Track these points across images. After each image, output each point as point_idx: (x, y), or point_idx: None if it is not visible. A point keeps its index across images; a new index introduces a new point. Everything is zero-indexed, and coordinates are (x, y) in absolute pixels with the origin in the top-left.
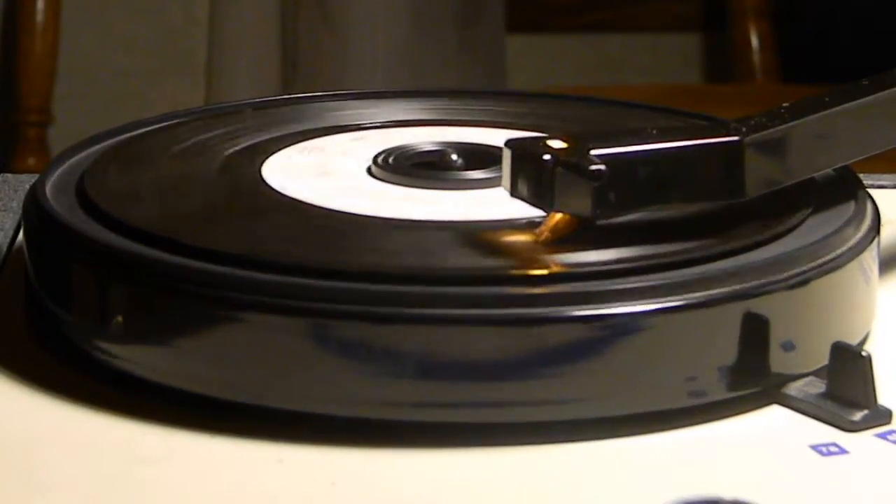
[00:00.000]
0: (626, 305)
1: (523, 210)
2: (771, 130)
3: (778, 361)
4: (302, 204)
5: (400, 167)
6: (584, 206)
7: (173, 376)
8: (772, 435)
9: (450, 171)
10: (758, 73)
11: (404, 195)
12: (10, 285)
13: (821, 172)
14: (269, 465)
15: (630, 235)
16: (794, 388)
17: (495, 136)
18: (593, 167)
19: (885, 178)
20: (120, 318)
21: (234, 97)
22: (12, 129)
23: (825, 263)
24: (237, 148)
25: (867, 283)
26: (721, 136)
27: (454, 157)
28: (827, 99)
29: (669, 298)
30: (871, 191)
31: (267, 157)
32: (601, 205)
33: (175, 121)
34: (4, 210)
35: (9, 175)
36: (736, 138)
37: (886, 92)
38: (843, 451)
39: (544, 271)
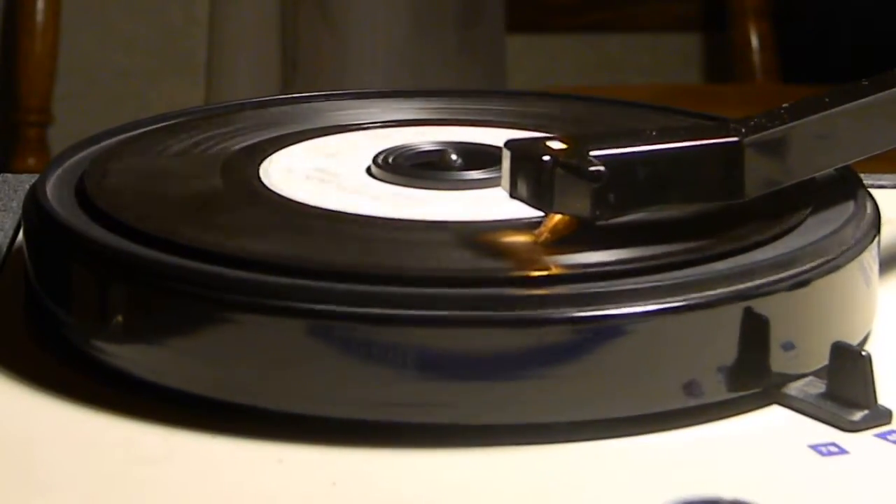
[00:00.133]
0: (625, 306)
1: (523, 211)
2: (771, 131)
3: (778, 361)
4: (301, 205)
5: (400, 167)
6: (583, 206)
7: (172, 377)
8: (772, 435)
9: (450, 171)
10: (758, 73)
11: (404, 195)
12: (10, 285)
13: (821, 172)
14: (269, 465)
15: (630, 236)
16: (794, 388)
17: (495, 136)
18: (593, 168)
19: (886, 178)
20: (119, 319)
21: (234, 97)
22: (12, 129)
23: (825, 263)
24: (237, 148)
25: (867, 282)
26: (720, 136)
27: (454, 157)
28: (827, 99)
29: (669, 299)
30: (871, 191)
31: (266, 157)
32: (600, 206)
33: (174, 121)
34: (4, 210)
35: (9, 175)
36: (735, 139)
37: (886, 92)
38: (843, 451)
39: (544, 272)
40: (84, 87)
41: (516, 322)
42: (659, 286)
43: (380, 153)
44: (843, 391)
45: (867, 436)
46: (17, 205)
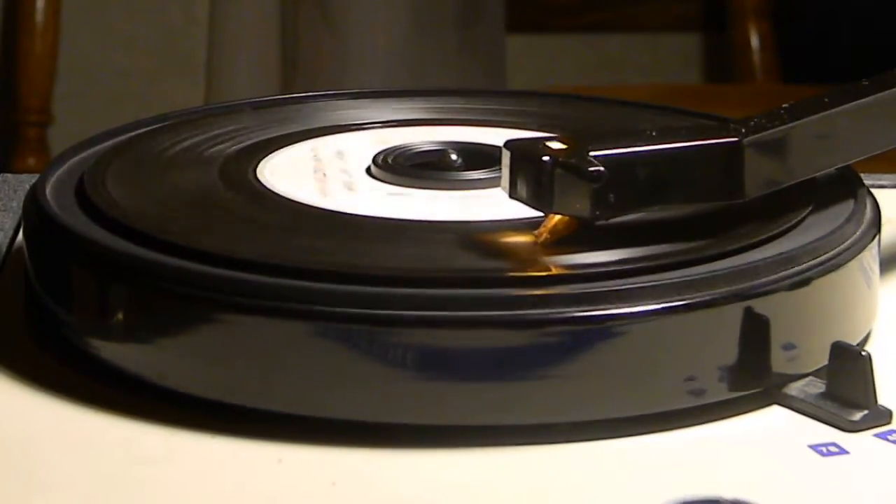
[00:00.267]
0: (625, 306)
1: (523, 211)
2: (771, 131)
3: (778, 361)
4: (301, 205)
5: (400, 167)
6: (583, 207)
7: (172, 377)
8: (772, 435)
9: (450, 171)
10: (758, 73)
11: (404, 195)
12: (10, 285)
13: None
14: (269, 465)
15: (630, 236)
16: (794, 389)
17: (495, 136)
18: (592, 168)
19: (886, 178)
20: (119, 319)
21: (234, 97)
22: (12, 129)
23: (825, 262)
24: (236, 148)
25: (868, 282)
26: (720, 136)
27: (454, 157)
28: (827, 99)
29: (669, 299)
30: (871, 190)
31: (266, 157)
32: (600, 206)
33: (174, 121)
34: (4, 210)
35: (9, 175)
36: (735, 139)
37: (886, 92)
38: (843, 451)
39: (543, 273)
40: (84, 87)
41: (516, 322)
42: (659, 286)
43: (380, 153)
44: (843, 391)
45: (867, 436)
46: (17, 205)
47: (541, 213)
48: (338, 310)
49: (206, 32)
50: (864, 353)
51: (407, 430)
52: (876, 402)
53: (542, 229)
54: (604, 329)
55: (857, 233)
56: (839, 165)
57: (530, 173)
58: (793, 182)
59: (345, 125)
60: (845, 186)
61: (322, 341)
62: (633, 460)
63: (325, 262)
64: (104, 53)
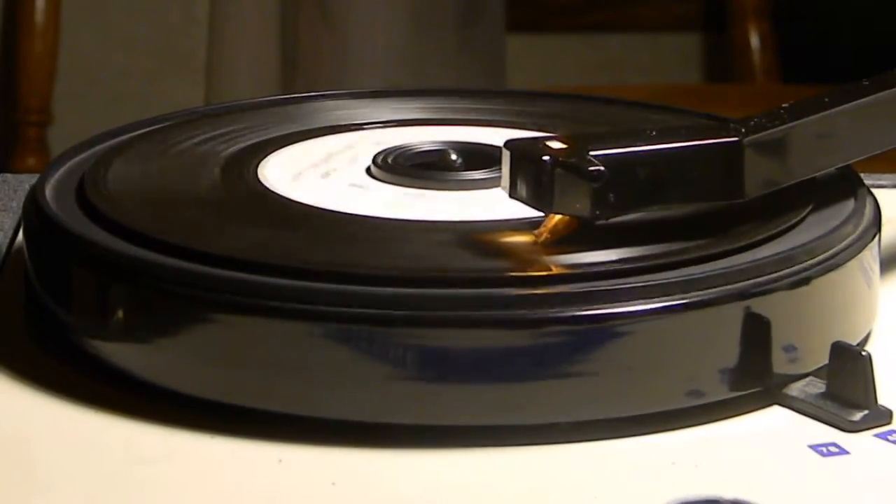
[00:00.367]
0: (626, 305)
1: (523, 211)
2: (771, 131)
3: (778, 361)
4: (301, 205)
5: (400, 167)
6: (583, 206)
7: (172, 377)
8: (772, 435)
9: (450, 171)
10: (758, 73)
11: (404, 195)
12: (10, 285)
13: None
14: (269, 465)
15: (630, 235)
16: (794, 389)
17: (495, 136)
18: (592, 168)
19: (886, 178)
20: (119, 320)
21: (234, 97)
22: (12, 129)
23: (825, 261)
24: (236, 148)
25: (868, 281)
26: (720, 136)
27: (454, 157)
28: (827, 99)
29: (669, 298)
30: (871, 190)
31: (266, 158)
32: (600, 205)
33: (174, 121)
34: (4, 210)
35: (9, 175)
36: (735, 139)
37: (886, 92)
38: (843, 452)
39: (544, 272)
40: (84, 87)
41: (516, 322)
42: (659, 285)
43: (380, 153)
44: (843, 391)
45: (867, 436)
46: (17, 205)
47: (541, 213)
48: (338, 310)
49: (206, 32)
50: (864, 353)
51: (407, 430)
52: (876, 402)
53: (542, 229)
54: (604, 328)
55: (857, 232)
56: (839, 165)
57: (530, 173)
58: (793, 182)
59: (345, 125)
60: (845, 186)
61: (322, 341)
62: (633, 460)
63: (325, 263)
64: (104, 53)
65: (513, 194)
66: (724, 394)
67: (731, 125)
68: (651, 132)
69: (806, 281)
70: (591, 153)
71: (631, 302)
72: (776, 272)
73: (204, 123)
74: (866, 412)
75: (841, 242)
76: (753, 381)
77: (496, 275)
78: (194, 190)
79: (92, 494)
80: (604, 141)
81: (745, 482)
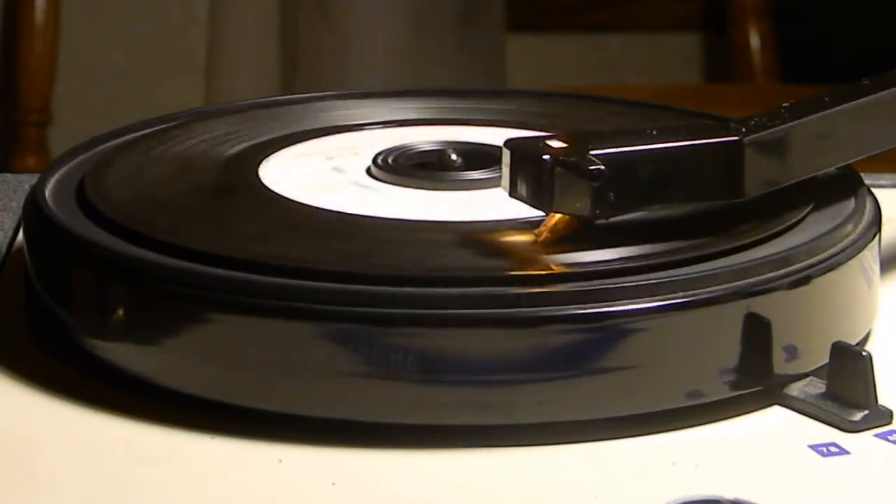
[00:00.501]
0: (626, 304)
1: (523, 210)
2: (771, 130)
3: (778, 360)
4: (301, 205)
5: (400, 167)
6: (583, 206)
7: (172, 377)
8: (772, 435)
9: (450, 171)
10: (758, 73)
11: (404, 195)
12: (10, 285)
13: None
14: (269, 465)
15: (630, 234)
16: (794, 389)
17: (495, 136)
18: (593, 167)
19: (886, 178)
20: (120, 320)
21: (234, 97)
22: (12, 129)
23: (825, 261)
24: (236, 149)
25: (868, 281)
26: (721, 135)
27: (454, 157)
28: (827, 99)
29: (669, 296)
30: (871, 190)
31: (266, 158)
32: (601, 205)
33: (174, 122)
34: (4, 210)
35: (9, 175)
36: (735, 138)
37: (886, 92)
38: (843, 452)
39: (544, 271)
40: (84, 87)
41: (517, 321)
42: (659, 284)
43: (380, 153)
44: (844, 391)
45: (867, 436)
46: (17, 205)
47: (541, 213)
48: (338, 309)
49: (206, 32)
50: (864, 354)
51: (407, 430)
52: (876, 402)
53: (542, 228)
54: (604, 327)
55: (857, 232)
56: (839, 165)
57: (530, 172)
58: (793, 181)
59: (345, 125)
60: (845, 185)
61: (322, 341)
62: (633, 460)
63: (326, 262)
64: (104, 53)
65: (513, 193)
66: (724, 393)
67: (732, 125)
68: (651, 131)
69: (806, 280)
70: (592, 152)
71: (631, 301)
72: (776, 272)
73: (204, 124)
74: (866, 412)
75: (841, 242)
76: (753, 380)
77: (497, 274)
78: (194, 190)
79: (92, 494)
80: (604, 140)
81: (745, 482)
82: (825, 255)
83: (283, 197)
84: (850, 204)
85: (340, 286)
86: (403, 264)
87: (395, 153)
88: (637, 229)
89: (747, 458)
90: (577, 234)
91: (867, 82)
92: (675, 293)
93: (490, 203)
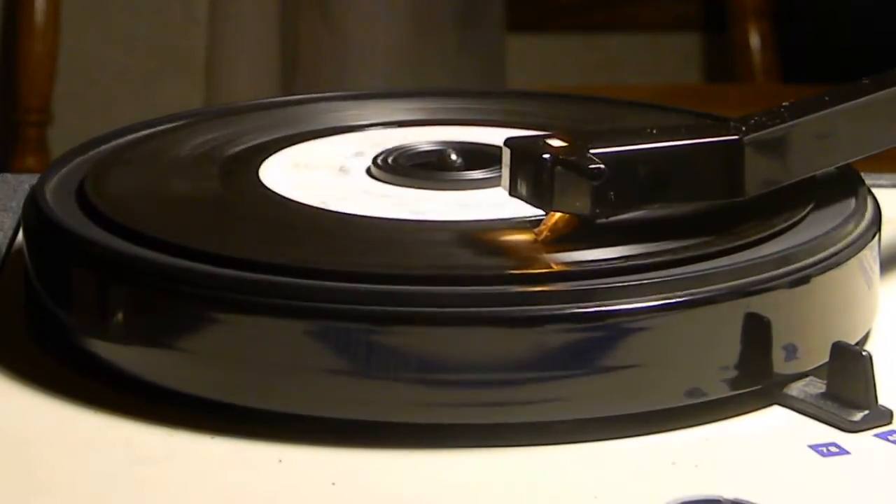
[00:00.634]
0: (626, 303)
1: (523, 210)
2: (771, 130)
3: (778, 360)
4: (301, 205)
5: (400, 167)
6: (583, 205)
7: (172, 377)
8: (772, 435)
9: (449, 171)
10: (758, 73)
11: (404, 195)
12: (10, 285)
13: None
14: (269, 465)
15: (630, 233)
16: (794, 388)
17: (495, 136)
18: (593, 166)
19: (886, 178)
20: (119, 320)
21: (234, 97)
22: (12, 129)
23: (825, 260)
24: (236, 150)
25: (868, 280)
26: (721, 135)
27: (454, 157)
28: (827, 99)
29: (669, 295)
30: (871, 190)
31: (266, 159)
32: (601, 204)
33: (174, 122)
34: (4, 210)
35: (8, 175)
36: (735, 137)
37: (886, 92)
38: (843, 452)
39: (544, 270)
40: (84, 87)
41: (517, 320)
42: (659, 283)
43: (380, 153)
44: (844, 391)
45: (867, 436)
46: (16, 205)
47: (541, 212)
48: (338, 309)
49: (206, 32)
50: (864, 353)
51: (407, 430)
52: (876, 402)
53: (542, 227)
54: (604, 326)
55: (858, 231)
56: (839, 164)
57: (530, 171)
58: (793, 181)
59: (345, 126)
60: (846, 185)
61: (322, 341)
62: (633, 460)
63: (325, 262)
64: (104, 53)
65: (513, 193)
66: (724, 392)
67: (732, 124)
68: (651, 131)
69: (806, 280)
70: (592, 151)
71: (631, 300)
72: (776, 271)
73: (204, 124)
74: (866, 412)
75: (841, 241)
76: (753, 379)
77: (497, 272)
78: (194, 190)
79: (92, 494)
80: (604, 139)
81: (745, 482)
82: (825, 254)
83: (283, 197)
84: (850, 204)
85: (341, 285)
86: (403, 263)
87: (395, 153)
88: (637, 228)
89: (747, 457)
90: (577, 233)
91: (867, 82)
92: (675, 292)
93: (490, 202)
